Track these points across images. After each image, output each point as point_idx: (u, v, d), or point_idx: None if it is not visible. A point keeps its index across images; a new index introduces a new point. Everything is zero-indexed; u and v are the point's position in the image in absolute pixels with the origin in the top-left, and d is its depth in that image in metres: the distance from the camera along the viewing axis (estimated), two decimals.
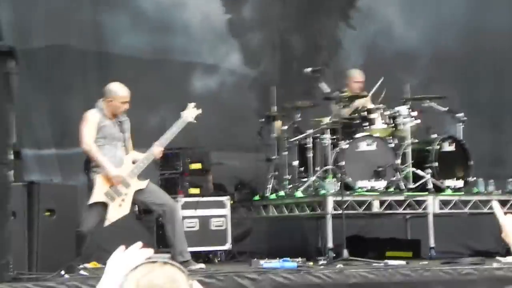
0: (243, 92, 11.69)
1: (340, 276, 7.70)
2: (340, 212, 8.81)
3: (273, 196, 9.58)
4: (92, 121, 7.98)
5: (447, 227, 10.06)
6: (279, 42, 12.07)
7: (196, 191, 9.44)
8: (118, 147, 8.05)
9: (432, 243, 9.18)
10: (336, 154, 9.41)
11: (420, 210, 9.31)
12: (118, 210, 7.97)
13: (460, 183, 9.57)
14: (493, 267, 7.87)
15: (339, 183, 9.07)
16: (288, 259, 8.22)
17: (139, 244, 2.44)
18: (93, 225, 7.90)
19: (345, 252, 8.54)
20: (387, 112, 9.72)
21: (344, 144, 9.37)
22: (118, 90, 8.07)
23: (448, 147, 9.68)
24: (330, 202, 8.95)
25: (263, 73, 11.80)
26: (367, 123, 9.68)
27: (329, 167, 9.41)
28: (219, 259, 9.01)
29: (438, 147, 9.62)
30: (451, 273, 7.90)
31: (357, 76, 10.35)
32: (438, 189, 9.46)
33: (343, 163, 9.25)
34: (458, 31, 11.90)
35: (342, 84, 10.39)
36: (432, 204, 9.29)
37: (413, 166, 9.53)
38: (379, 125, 9.71)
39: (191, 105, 8.40)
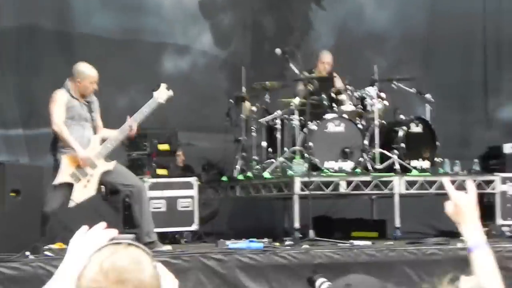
0: (214, 73, 11.68)
1: (306, 256, 7.73)
2: (307, 192, 8.83)
3: (241, 176, 9.58)
4: (60, 102, 7.92)
5: (413, 208, 10.12)
6: (251, 22, 12.06)
7: (163, 172, 9.43)
8: (86, 127, 8.01)
9: (397, 223, 9.22)
10: (304, 135, 9.42)
11: (386, 191, 9.34)
12: (83, 191, 7.93)
13: (426, 164, 9.62)
14: (458, 247, 7.92)
15: (306, 164, 9.09)
16: (255, 239, 8.24)
17: (103, 224, 2.42)
18: (57, 205, 7.87)
19: (311, 233, 8.56)
20: (356, 93, 9.74)
21: (312, 125, 9.38)
22: (86, 71, 8.02)
23: (416, 128, 9.72)
24: (297, 182, 8.96)
25: (234, 54, 11.79)
26: (335, 104, 9.70)
27: (297, 148, 9.43)
28: (185, 240, 9.00)
29: (406, 128, 9.65)
30: (415, 253, 7.96)
31: (324, 57, 10.37)
32: (404, 170, 9.51)
33: (311, 144, 9.27)
34: (428, 13, 11.96)
35: (312, 65, 10.41)
36: (398, 184, 9.33)
37: (380, 147, 9.57)
38: (348, 106, 9.75)
39: (163, 86, 8.34)
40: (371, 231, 9.75)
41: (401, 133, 9.61)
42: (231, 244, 8.09)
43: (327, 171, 9.24)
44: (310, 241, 8.42)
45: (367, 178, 9.30)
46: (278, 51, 9.66)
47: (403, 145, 9.57)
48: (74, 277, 2.26)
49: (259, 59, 11.63)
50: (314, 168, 9.21)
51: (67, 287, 2.34)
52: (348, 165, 9.34)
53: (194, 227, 9.06)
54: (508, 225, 9.49)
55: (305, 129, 9.42)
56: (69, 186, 7.89)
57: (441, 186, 9.52)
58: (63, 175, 7.90)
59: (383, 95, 9.74)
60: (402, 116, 9.89)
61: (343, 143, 9.36)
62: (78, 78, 7.96)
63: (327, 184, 9.17)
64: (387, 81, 9.94)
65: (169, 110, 10.82)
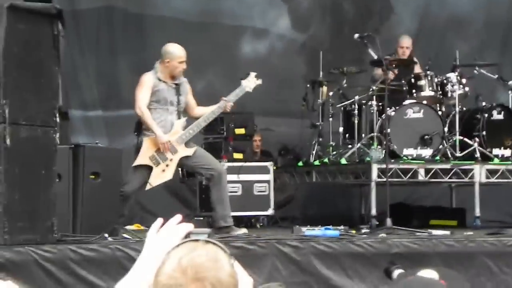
0: (292, 57, 11.62)
1: (382, 246, 7.62)
2: (384, 180, 8.73)
3: (317, 162, 9.52)
4: (147, 85, 7.92)
5: (493, 197, 9.94)
6: (330, 6, 11.95)
7: (239, 156, 9.43)
8: (170, 111, 7.98)
9: (477, 212, 9.07)
10: (382, 121, 9.30)
11: (466, 179, 9.18)
12: (160, 175, 7.96)
13: (508, 152, 9.42)
14: None
15: (384, 151, 8.99)
16: (331, 227, 8.18)
17: (179, 217, 2.41)
18: (138, 186, 7.93)
19: (389, 221, 8.45)
20: (436, 79, 9.57)
21: (390, 111, 9.26)
22: (175, 50, 7.99)
23: (497, 116, 9.52)
24: (374, 169, 8.87)
25: (312, 38, 11.70)
26: (415, 90, 9.55)
27: (375, 134, 9.32)
28: (261, 224, 9.01)
29: (487, 115, 9.46)
30: (496, 244, 7.78)
31: (403, 41, 10.21)
32: (485, 158, 9.32)
33: (389, 130, 9.15)
34: None
35: (392, 50, 10.27)
36: (479, 173, 9.16)
37: (460, 135, 9.40)
38: (427, 92, 9.58)
39: (253, 74, 8.31)
40: (450, 220, 9.61)
41: (482, 120, 9.42)
42: (307, 231, 8.04)
43: (405, 158, 9.12)
44: (387, 229, 8.32)
45: (446, 166, 9.15)
46: (356, 36, 9.54)
47: (484, 132, 9.38)
48: (152, 273, 2.25)
49: (337, 43, 11.52)
50: (392, 155, 9.10)
51: (145, 282, 2.33)
52: (427, 152, 9.20)
53: (270, 211, 9.04)
54: None
55: (383, 115, 9.30)
56: (148, 169, 7.94)
57: None
58: (143, 158, 7.94)
59: (464, 81, 9.56)
60: (483, 103, 9.70)
61: (422, 129, 9.21)
62: (167, 59, 7.93)
63: (405, 172, 9.05)
64: (468, 67, 9.75)
65: (246, 94, 10.84)
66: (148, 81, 7.94)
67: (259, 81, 8.28)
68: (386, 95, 9.11)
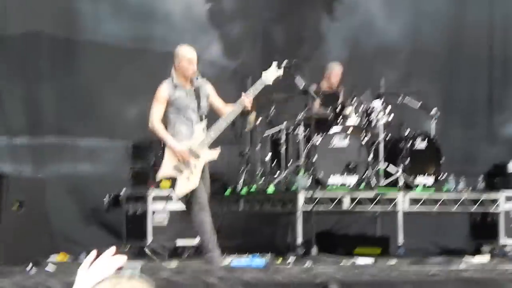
0: (223, 83, 11.62)
1: (307, 276, 7.70)
2: (310, 208, 8.81)
3: (244, 190, 9.57)
4: (160, 98, 7.83)
5: (417, 224, 10.09)
6: (261, 33, 12.01)
7: (167, 184, 9.40)
8: (191, 118, 7.85)
9: (400, 240, 9.20)
10: (309, 149, 9.40)
11: (390, 208, 9.32)
12: (186, 184, 7.78)
13: (431, 180, 9.58)
14: (460, 269, 7.87)
15: (310, 179, 9.08)
16: (257, 255, 8.22)
17: (112, 250, 2.40)
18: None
19: (314, 249, 8.55)
20: (361, 107, 9.70)
21: (316, 139, 9.37)
22: (182, 51, 7.97)
23: (421, 144, 9.69)
24: (301, 198, 8.95)
25: (243, 65, 11.74)
26: (341, 118, 9.68)
27: (301, 162, 9.42)
28: (188, 254, 8.99)
29: (410, 143, 9.62)
30: (418, 273, 7.90)
31: (332, 69, 10.34)
32: (409, 186, 9.47)
33: (315, 158, 9.25)
34: (438, 26, 11.88)
35: (320, 78, 10.39)
36: (402, 201, 9.30)
37: (385, 163, 9.53)
38: (353, 120, 9.72)
39: (274, 64, 8.26)
40: (374, 247, 9.72)
41: (405, 149, 9.58)
42: (234, 261, 8.07)
43: (331, 186, 9.23)
44: (313, 258, 8.40)
45: (371, 194, 9.27)
46: (284, 63, 9.62)
47: (407, 160, 9.54)
48: None
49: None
50: (318, 183, 9.20)
51: None
52: (352, 180, 9.31)
53: (197, 241, 9.04)
54: None
55: (309, 143, 9.40)
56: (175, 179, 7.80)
57: (445, 204, 9.49)
58: (166, 168, 7.83)
59: (388, 109, 9.72)
60: (407, 131, 9.86)
61: (348, 157, 9.33)
62: (176, 62, 7.91)
63: (331, 200, 9.15)
64: (393, 95, 9.92)
65: None
66: (162, 94, 7.85)
67: (280, 72, 8.20)
68: (314, 123, 9.23)
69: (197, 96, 7.87)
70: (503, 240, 9.54)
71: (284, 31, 12.03)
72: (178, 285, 7.19)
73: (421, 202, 9.37)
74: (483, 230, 9.90)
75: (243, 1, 11.71)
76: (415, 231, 9.98)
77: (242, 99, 7.92)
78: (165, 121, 7.88)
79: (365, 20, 11.94)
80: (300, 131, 9.48)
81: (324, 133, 9.39)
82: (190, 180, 7.78)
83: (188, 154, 7.75)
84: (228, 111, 7.94)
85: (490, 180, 10.21)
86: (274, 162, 9.63)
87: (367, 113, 9.73)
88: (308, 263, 8.08)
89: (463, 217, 10.37)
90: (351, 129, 9.55)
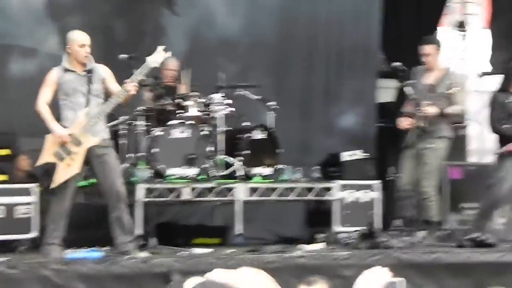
0: None
1: (146, 266, 7.74)
2: (150, 199, 8.86)
3: (84, 182, 9.48)
4: (48, 81, 7.86)
5: (256, 214, 10.28)
6: (101, 26, 11.92)
7: (4, 177, 9.24)
8: (81, 103, 7.80)
9: (239, 229, 9.36)
10: (149, 141, 9.44)
11: (229, 197, 9.48)
12: (66, 170, 7.76)
13: (269, 171, 9.80)
14: (296, 255, 8.09)
15: (151, 171, 9.11)
16: (96, 248, 8.20)
17: None
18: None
19: (153, 240, 8.61)
20: (202, 100, 9.82)
21: (157, 131, 9.42)
22: (73, 35, 8.00)
23: (259, 135, 9.89)
24: (140, 189, 8.98)
25: None
26: (181, 110, 9.77)
27: (142, 154, 9.45)
28: (24, 247, 8.84)
29: (249, 135, 9.81)
30: (255, 260, 8.08)
31: (168, 63, 10.40)
32: (247, 177, 9.66)
33: (156, 150, 9.30)
34: (274, 20, 12.13)
35: (159, 71, 10.42)
36: (241, 191, 9.47)
37: (224, 154, 9.69)
38: (193, 112, 9.83)
39: (160, 48, 8.28)
40: (213, 237, 9.86)
41: (244, 140, 9.76)
42: (70, 253, 8.01)
43: (171, 177, 9.30)
44: (152, 248, 8.45)
45: (210, 185, 9.40)
46: (122, 56, 9.61)
47: (246, 152, 9.72)
48: None
49: (109, 64, 11.51)
50: (158, 174, 9.25)
51: None
52: (192, 171, 9.42)
53: (33, 234, 8.91)
54: (345, 232, 9.75)
55: (149, 135, 9.43)
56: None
57: (282, 193, 9.74)
58: (46, 155, 7.76)
59: (228, 101, 9.88)
60: (246, 123, 10.04)
61: (188, 149, 9.42)
62: (68, 45, 7.91)
63: (171, 191, 9.22)
64: (232, 88, 10.09)
65: (14, 114, 10.64)
66: (50, 76, 7.85)
67: (169, 53, 8.26)
68: (154, 116, 9.26)
69: (89, 80, 7.79)
70: (337, 227, 9.86)
71: (125, 25, 11.99)
72: (11, 279, 7.09)
73: (258, 192, 9.56)
74: (318, 218, 10.21)
75: None
76: (253, 220, 10.18)
77: (126, 85, 7.91)
78: (57, 107, 7.87)
79: (205, 14, 12.06)
80: (140, 123, 9.50)
81: (164, 125, 9.44)
82: (71, 166, 7.79)
83: (69, 140, 7.65)
84: (110, 99, 7.97)
85: (325, 170, 10.55)
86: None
87: (207, 105, 9.86)
88: (146, 254, 8.11)
89: (300, 206, 10.67)
90: (191, 121, 9.65)
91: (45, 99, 7.80)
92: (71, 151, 7.76)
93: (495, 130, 9.08)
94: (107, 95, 8.02)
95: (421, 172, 9.27)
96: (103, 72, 7.99)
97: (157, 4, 12.09)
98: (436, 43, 9.54)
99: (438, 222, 9.58)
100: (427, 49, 9.32)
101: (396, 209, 9.80)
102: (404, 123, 9.37)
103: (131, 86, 7.94)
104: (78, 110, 7.80)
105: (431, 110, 9.19)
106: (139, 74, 8.16)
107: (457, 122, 10.03)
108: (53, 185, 7.83)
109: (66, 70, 7.84)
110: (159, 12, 12.08)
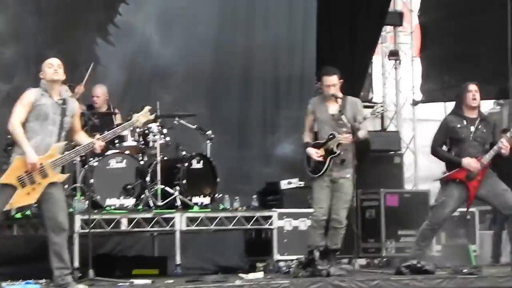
0: None
1: None
2: (87, 231, 8.75)
3: (18, 215, 9.34)
4: (25, 101, 7.59)
5: (195, 244, 10.23)
6: (34, 56, 11.80)
7: None
8: (49, 131, 7.60)
9: (178, 260, 9.29)
10: (85, 171, 9.35)
11: (167, 228, 9.41)
12: (24, 198, 7.57)
13: (207, 200, 9.77)
14: (236, 285, 8.05)
15: (87, 201, 9.01)
16: (31, 281, 8.05)
17: None
18: (1, 207, 7.59)
19: (91, 272, 8.48)
20: (138, 129, 9.77)
21: (93, 161, 9.34)
22: (46, 60, 7.91)
23: (197, 165, 9.87)
24: (77, 220, 8.88)
25: (18, 88, 11.46)
26: (117, 140, 9.70)
27: (78, 184, 9.35)
28: None
29: (187, 164, 9.78)
30: None
31: (95, 91, 10.45)
32: (186, 206, 9.61)
33: (92, 180, 9.21)
34: (209, 49, 12.15)
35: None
36: (180, 221, 9.41)
37: (162, 184, 9.63)
38: (130, 142, 9.78)
39: (147, 108, 8.26)
40: (152, 268, 9.76)
41: (182, 170, 9.73)
42: (7, 286, 7.86)
43: (108, 208, 9.21)
44: (90, 280, 8.33)
45: (148, 215, 9.33)
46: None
47: (184, 181, 9.68)
48: None
49: None
50: (96, 205, 9.15)
51: None
52: (130, 202, 9.35)
53: None
54: (285, 260, 9.74)
55: (86, 166, 9.33)
56: (13, 189, 7.53)
57: (222, 222, 9.72)
58: (10, 176, 7.54)
59: (165, 131, 9.85)
60: (184, 152, 10.01)
61: (125, 179, 9.37)
62: (41, 72, 7.81)
63: (108, 222, 9.12)
64: (168, 117, 10.06)
65: None
66: (28, 96, 7.65)
67: (152, 116, 8.28)
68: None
69: (63, 112, 7.71)
70: (276, 256, 9.86)
71: (59, 54, 11.86)
72: None
73: (198, 222, 9.52)
74: (258, 247, 10.20)
75: (16, 24, 11.47)
76: (193, 250, 10.12)
77: (94, 142, 7.86)
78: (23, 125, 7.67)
79: (141, 44, 12.02)
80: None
81: (101, 156, 9.35)
82: (30, 195, 7.63)
83: (38, 169, 7.55)
84: (79, 147, 7.87)
85: (264, 198, 10.55)
86: None
87: (144, 135, 9.81)
88: (85, 286, 7.98)
89: (239, 235, 10.64)
90: (128, 151, 9.59)
91: (20, 119, 7.63)
92: (35, 181, 7.64)
93: (433, 151, 9.16)
94: (71, 130, 7.92)
95: (338, 201, 9.08)
96: (75, 107, 7.92)
97: (92, 34, 12.03)
98: (337, 73, 9.29)
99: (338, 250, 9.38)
100: (332, 80, 9.12)
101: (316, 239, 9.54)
102: (316, 154, 9.06)
103: (99, 147, 7.91)
104: (43, 137, 7.68)
105: (351, 137, 8.93)
106: (122, 129, 8.22)
107: (362, 149, 9.87)
108: (7, 207, 7.70)
109: (43, 93, 7.74)
110: (93, 42, 12.02)
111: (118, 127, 8.27)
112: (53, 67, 7.84)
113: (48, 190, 7.68)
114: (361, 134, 8.97)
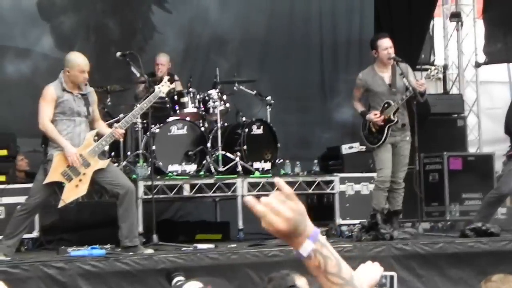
0: (57, 76, 11.43)
1: (148, 262, 7.71)
2: (150, 196, 8.82)
3: None
4: (48, 97, 7.71)
5: None
6: (94, 25, 11.89)
7: (2, 178, 9.19)
8: (78, 122, 7.76)
9: (240, 225, 9.33)
10: (147, 138, 9.40)
11: (229, 193, 9.44)
12: (74, 191, 7.73)
13: (268, 165, 9.77)
14: None
15: (150, 168, 9.08)
16: (97, 246, 8.16)
17: None
18: (42, 201, 7.79)
19: (155, 237, 8.57)
20: (198, 96, 9.79)
21: (155, 128, 9.38)
22: (75, 59, 7.85)
23: (257, 130, 9.87)
24: (140, 187, 8.94)
25: None
26: (178, 107, 9.73)
27: (140, 151, 9.41)
28: (26, 247, 8.80)
29: (247, 130, 9.78)
30: (258, 255, 8.06)
31: (159, 59, 10.44)
32: (247, 172, 9.63)
33: (154, 147, 9.26)
34: (267, 15, 12.11)
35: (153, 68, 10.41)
36: (241, 186, 9.44)
37: (223, 149, 9.65)
38: (190, 108, 9.80)
39: (166, 78, 8.35)
40: (215, 233, 9.82)
41: (242, 135, 9.73)
42: (73, 251, 7.97)
43: (170, 174, 9.26)
44: (154, 246, 8.41)
45: (210, 181, 9.37)
46: (118, 54, 9.57)
47: (245, 147, 9.69)
48: None
49: (103, 62, 11.48)
50: (158, 171, 9.21)
51: None
52: (191, 168, 9.39)
53: (35, 234, 8.87)
54: (347, 225, 9.73)
55: (148, 133, 9.39)
56: (59, 185, 7.70)
57: None
58: (54, 174, 7.69)
59: (225, 97, 9.85)
60: (243, 118, 10.01)
61: (186, 146, 9.41)
62: (67, 68, 7.80)
63: (171, 188, 9.18)
64: (228, 83, 10.05)
65: (10, 114, 10.59)
66: (50, 92, 7.74)
67: (173, 85, 8.38)
68: (151, 113, 9.19)
69: (86, 103, 7.82)
70: (339, 220, 9.84)
71: (118, 23, 11.95)
72: (15, 279, 7.05)
73: (259, 187, 9.53)
74: (319, 211, 10.18)
75: None
76: (254, 216, 10.09)
77: (115, 131, 7.93)
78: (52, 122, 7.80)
79: (198, 11, 12.02)
80: (138, 121, 9.46)
81: (162, 123, 9.40)
82: (79, 187, 7.78)
83: (80, 160, 7.66)
84: (105, 136, 7.94)
85: (325, 163, 10.52)
86: (113, 153, 9.55)
87: (204, 102, 9.83)
88: (151, 250, 8.07)
89: (301, 200, 10.59)
90: (188, 117, 9.62)
91: (49, 116, 7.73)
92: (80, 172, 7.75)
93: (507, 131, 9.09)
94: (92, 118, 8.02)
95: (398, 164, 9.05)
96: (94, 97, 8.01)
97: (147, 1, 12.07)
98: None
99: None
100: (390, 41, 8.98)
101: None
102: (376, 117, 8.99)
103: (119, 134, 7.98)
104: (76, 131, 7.78)
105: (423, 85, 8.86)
106: (148, 102, 8.19)
107: (423, 112, 9.74)
108: (61, 204, 7.79)
109: (64, 89, 7.80)
110: (148, 10, 12.06)
111: (144, 102, 8.24)
112: (84, 74, 7.85)
113: (96, 178, 7.78)
114: (424, 96, 8.96)
